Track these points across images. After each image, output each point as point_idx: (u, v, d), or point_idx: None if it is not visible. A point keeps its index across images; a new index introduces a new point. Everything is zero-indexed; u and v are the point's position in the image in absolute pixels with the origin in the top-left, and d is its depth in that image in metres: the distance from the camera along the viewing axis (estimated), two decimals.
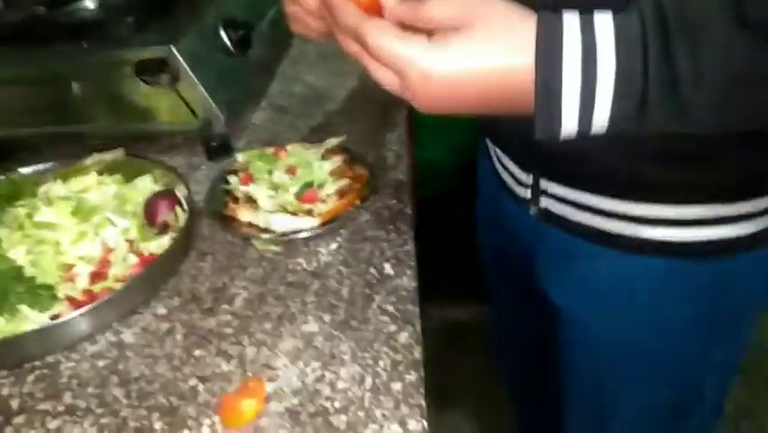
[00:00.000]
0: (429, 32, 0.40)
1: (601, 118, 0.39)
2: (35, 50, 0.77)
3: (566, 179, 0.57)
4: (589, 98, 0.38)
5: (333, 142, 0.75)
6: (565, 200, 0.58)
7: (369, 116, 0.86)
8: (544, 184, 0.60)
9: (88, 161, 0.72)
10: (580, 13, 0.38)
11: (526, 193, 0.62)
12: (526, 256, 0.67)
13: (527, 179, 0.61)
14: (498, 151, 0.67)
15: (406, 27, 0.41)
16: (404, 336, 0.53)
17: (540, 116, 0.39)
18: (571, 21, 0.38)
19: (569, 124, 0.39)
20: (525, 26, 0.39)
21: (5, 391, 0.51)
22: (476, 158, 0.77)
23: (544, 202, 0.61)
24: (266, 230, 0.64)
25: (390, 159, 0.77)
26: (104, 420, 0.48)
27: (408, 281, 0.59)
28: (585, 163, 0.53)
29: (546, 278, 0.66)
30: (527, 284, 0.69)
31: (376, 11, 0.43)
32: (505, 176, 0.67)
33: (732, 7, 0.36)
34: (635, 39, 0.37)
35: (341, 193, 0.67)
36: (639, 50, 0.37)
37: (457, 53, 0.39)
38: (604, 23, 0.38)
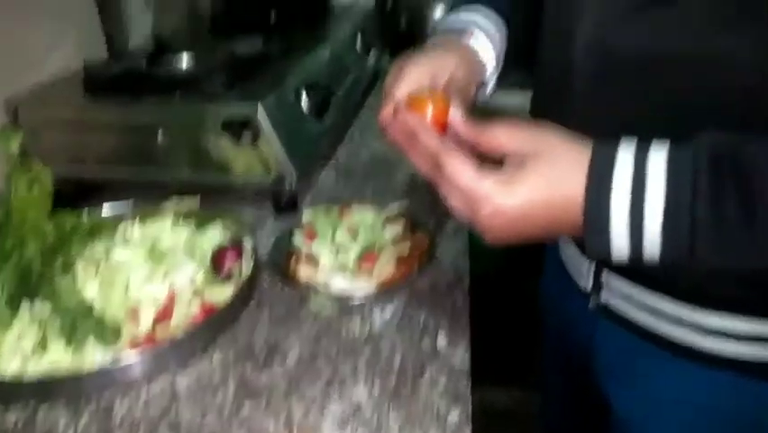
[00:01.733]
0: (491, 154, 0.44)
1: (651, 253, 0.40)
2: (132, 100, 0.83)
3: (629, 275, 0.55)
4: (638, 233, 0.39)
5: (395, 207, 0.76)
6: (627, 297, 0.56)
7: (431, 186, 0.87)
8: (606, 276, 0.58)
9: (166, 206, 0.76)
10: (638, 145, 0.40)
11: (587, 284, 0.61)
12: (585, 348, 0.65)
13: (589, 268, 0.60)
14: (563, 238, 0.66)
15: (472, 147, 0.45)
16: (454, 415, 0.51)
17: (590, 244, 0.41)
18: (624, 153, 0.40)
19: (619, 253, 0.41)
20: (583, 155, 0.41)
21: (61, 425, 0.52)
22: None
23: (605, 296, 0.59)
24: (324, 289, 0.65)
25: (450, 229, 0.77)
26: None
27: (462, 357, 0.58)
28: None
29: (603, 375, 0.63)
30: (584, 377, 0.66)
31: (443, 126, 0.48)
32: (568, 263, 0.65)
33: None
34: (685, 175, 0.38)
35: (400, 259, 0.68)
36: (688, 192, 0.37)
37: (524, 192, 0.41)
38: (657, 159, 0.39)
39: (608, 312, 0.59)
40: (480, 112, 0.58)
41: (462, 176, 0.43)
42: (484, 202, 0.42)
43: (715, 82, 0.43)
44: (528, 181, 0.41)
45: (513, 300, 1.01)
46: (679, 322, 0.53)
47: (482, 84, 0.62)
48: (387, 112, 0.52)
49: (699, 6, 0.42)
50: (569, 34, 0.50)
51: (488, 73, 0.62)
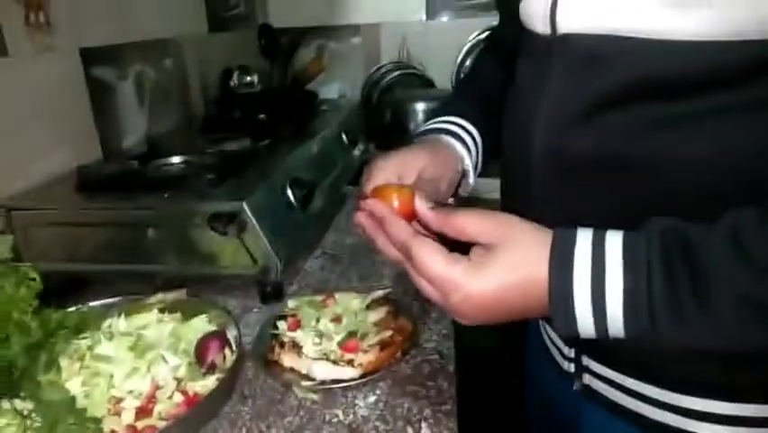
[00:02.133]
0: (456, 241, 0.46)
1: (615, 331, 0.41)
2: (123, 198, 0.87)
3: (609, 362, 0.56)
4: (601, 313, 0.41)
5: (379, 293, 0.78)
6: (609, 381, 0.57)
7: None
8: (587, 361, 0.59)
9: (152, 299, 0.77)
10: (595, 230, 0.43)
11: (570, 367, 0.61)
12: (571, 428, 0.65)
13: (569, 352, 0.61)
14: (545, 323, 0.67)
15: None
16: None
17: (557, 320, 0.43)
18: (583, 236, 0.42)
19: (585, 332, 0.42)
20: (545, 242, 0.43)
21: None
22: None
23: (587, 379, 0.59)
24: (307, 377, 0.66)
25: (435, 312, 0.79)
26: None
27: None
28: (629, 350, 0.52)
29: None
30: None
31: (409, 214, 0.50)
32: (550, 345, 0.66)
33: (732, 244, 0.39)
34: (640, 262, 0.40)
35: (383, 345, 0.69)
36: (644, 274, 0.40)
37: (493, 277, 0.44)
38: (614, 244, 0.41)
39: (591, 394, 0.59)
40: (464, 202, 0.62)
41: (433, 266, 0.45)
42: (454, 289, 0.44)
43: (663, 181, 0.46)
44: (496, 267, 0.43)
45: (507, 376, 1.00)
46: (663, 406, 0.53)
47: (462, 175, 0.66)
48: (360, 210, 0.54)
49: (638, 111, 0.46)
50: (527, 136, 0.53)
51: (466, 164, 0.66)
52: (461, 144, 0.66)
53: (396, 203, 0.50)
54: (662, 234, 0.40)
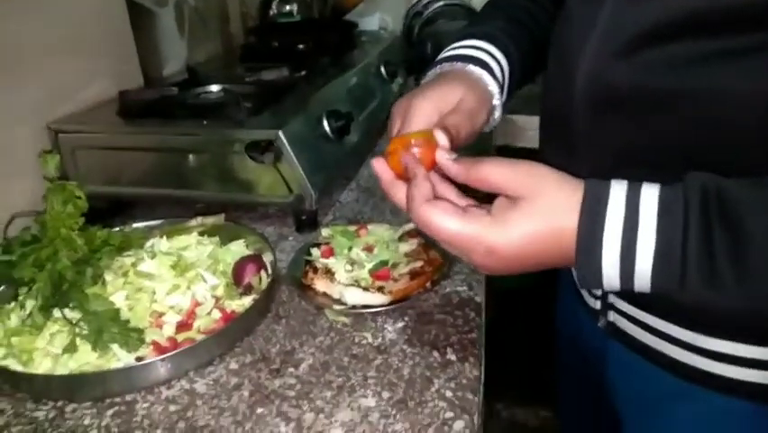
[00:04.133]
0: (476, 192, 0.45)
1: (641, 286, 0.41)
2: (163, 124, 0.88)
3: (635, 301, 0.56)
4: (629, 268, 0.40)
5: (411, 225, 0.78)
6: (634, 320, 0.57)
7: None
8: (612, 298, 0.59)
9: (192, 222, 0.80)
10: (630, 182, 0.41)
11: (596, 304, 0.61)
12: (597, 367, 0.65)
13: (597, 289, 0.61)
14: None
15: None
16: (459, 425, 0.52)
17: (582, 274, 0.42)
18: (617, 189, 0.41)
19: (610, 283, 0.41)
20: (576, 192, 0.42)
21: (87, 421, 0.55)
22: None
23: (612, 317, 0.59)
24: (339, 301, 0.68)
25: None
26: None
27: (470, 369, 0.59)
28: None
29: (613, 392, 0.63)
30: (597, 395, 0.66)
31: (430, 163, 0.48)
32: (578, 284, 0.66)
33: None
34: (677, 215, 0.38)
35: (413, 274, 0.70)
36: (680, 231, 0.38)
37: (516, 229, 0.42)
38: (649, 198, 0.40)
39: (616, 331, 0.59)
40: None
41: (448, 229, 0.43)
42: (476, 245, 0.43)
43: (708, 117, 0.44)
44: (522, 217, 0.42)
45: (541, 317, 1.01)
46: (686, 346, 0.53)
47: (492, 109, 0.62)
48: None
49: (685, 46, 0.44)
50: (571, 67, 0.52)
51: (495, 99, 0.62)
52: (491, 76, 0.61)
53: (416, 150, 0.49)
54: (701, 190, 0.39)
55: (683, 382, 0.54)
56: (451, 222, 0.43)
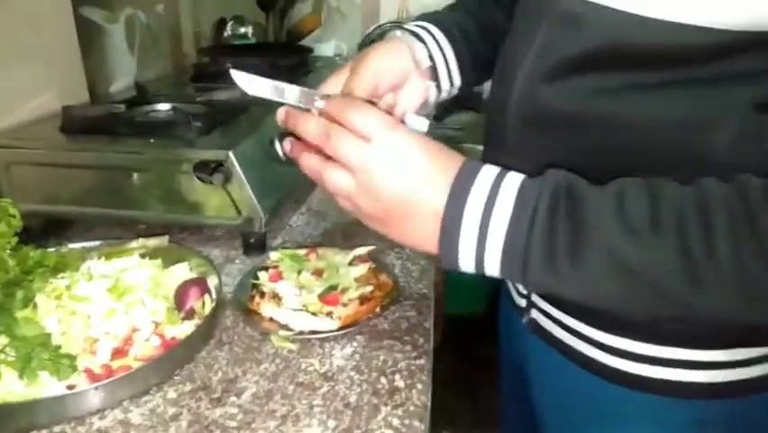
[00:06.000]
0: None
1: (492, 265, 0.44)
2: (108, 141, 0.85)
3: (552, 300, 0.59)
4: (482, 243, 0.43)
5: (362, 250, 0.78)
6: (552, 318, 0.60)
7: None
8: (534, 297, 0.62)
9: (134, 243, 0.77)
10: (502, 168, 0.45)
11: (521, 302, 0.64)
12: (521, 361, 0.69)
13: (523, 289, 0.64)
14: None
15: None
16: None
17: (442, 247, 0.45)
18: (488, 170, 0.44)
19: (465, 262, 0.44)
20: (454, 164, 0.45)
21: None
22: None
23: (534, 314, 0.62)
24: (285, 327, 0.66)
25: (416, 272, 0.79)
26: None
27: (418, 396, 0.58)
28: None
29: (534, 388, 0.66)
30: (523, 386, 0.69)
31: None
32: (509, 283, 0.69)
33: (615, 202, 0.41)
34: (529, 203, 0.42)
35: (363, 299, 0.69)
36: (528, 215, 0.41)
37: (402, 146, 0.46)
38: (511, 184, 0.43)
39: (538, 328, 0.62)
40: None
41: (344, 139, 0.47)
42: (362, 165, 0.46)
43: (621, 143, 0.47)
44: (404, 149, 0.46)
45: (488, 343, 1.02)
46: (596, 345, 0.56)
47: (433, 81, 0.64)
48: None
49: (603, 76, 0.47)
50: (509, 81, 0.54)
51: (417, 55, 0.63)
52: (415, 37, 0.63)
53: None
54: (555, 184, 0.42)
55: (597, 378, 0.57)
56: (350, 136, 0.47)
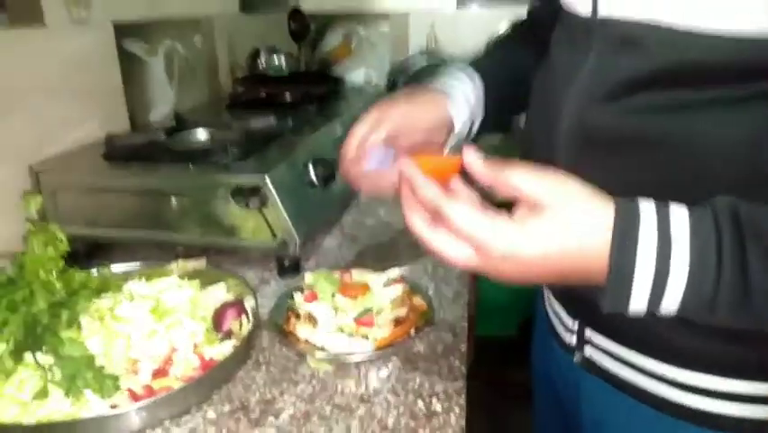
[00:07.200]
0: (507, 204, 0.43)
1: (670, 307, 0.40)
2: (148, 167, 0.88)
3: (612, 334, 0.57)
4: (660, 288, 0.39)
5: (396, 272, 0.78)
6: (610, 354, 0.57)
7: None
8: (589, 333, 0.59)
9: (172, 265, 0.79)
10: (657, 204, 0.40)
11: (572, 339, 0.62)
12: (571, 402, 0.66)
13: (573, 325, 0.62)
14: (550, 294, 0.68)
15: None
16: None
17: (610, 297, 0.40)
18: (647, 209, 0.40)
19: (637, 307, 0.40)
20: (605, 210, 0.41)
21: None
22: (536, 301, 0.78)
23: (588, 351, 0.60)
24: (321, 349, 0.66)
25: (449, 294, 0.79)
26: None
27: (456, 421, 0.58)
28: (633, 324, 0.50)
29: (587, 424, 0.63)
30: (573, 426, 0.66)
31: (452, 174, 0.47)
32: (553, 319, 0.67)
33: None
34: (708, 238, 0.38)
35: (398, 321, 0.69)
36: (713, 250, 0.38)
37: (540, 236, 0.40)
38: (680, 216, 0.39)
39: (592, 366, 0.60)
40: None
41: (469, 216, 0.41)
42: (493, 242, 0.40)
43: (684, 161, 0.46)
44: (547, 229, 0.40)
45: (517, 365, 1.00)
46: (663, 380, 0.54)
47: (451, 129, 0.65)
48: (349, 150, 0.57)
49: (662, 95, 0.46)
50: (555, 110, 0.54)
51: (450, 108, 0.64)
52: (448, 88, 0.65)
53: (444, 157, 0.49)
54: (730, 208, 0.39)
55: (661, 414, 0.54)
56: (472, 211, 0.41)
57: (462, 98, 0.65)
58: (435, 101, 0.63)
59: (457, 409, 0.59)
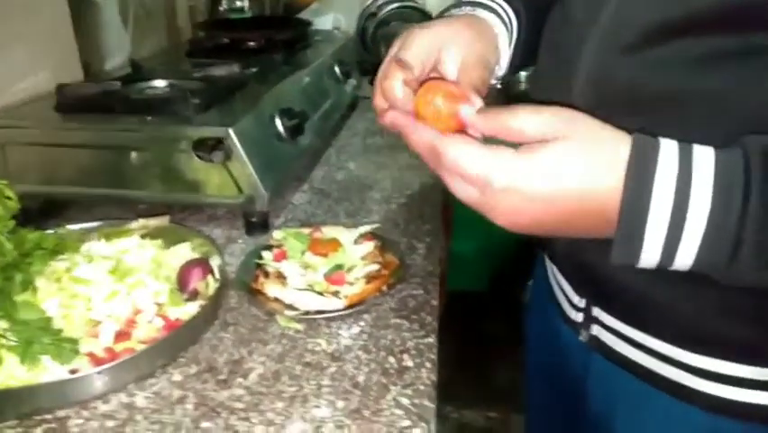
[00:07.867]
0: (513, 146, 0.39)
1: (685, 257, 0.36)
2: (104, 119, 0.83)
3: (622, 314, 0.54)
4: (676, 233, 0.36)
5: (366, 228, 0.76)
6: (618, 334, 0.55)
7: (405, 207, 0.89)
8: (597, 312, 0.57)
9: (133, 224, 0.75)
10: (679, 143, 0.36)
11: (578, 317, 0.59)
12: (577, 379, 0.63)
13: (580, 302, 0.59)
14: (555, 269, 0.65)
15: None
16: None
17: (620, 241, 0.37)
18: (668, 146, 0.36)
19: (650, 255, 0.37)
20: (619, 146, 0.37)
21: None
22: (508, 257, 0.77)
23: (595, 330, 0.57)
24: (291, 307, 0.65)
25: (422, 250, 0.78)
26: None
27: (427, 375, 0.57)
28: (646, 303, 0.49)
29: (594, 405, 0.62)
30: (576, 404, 0.64)
31: (460, 131, 0.43)
32: (558, 294, 0.64)
33: None
34: (734, 175, 0.34)
35: (369, 278, 0.68)
36: (739, 196, 0.34)
37: (545, 170, 0.37)
38: (704, 156, 0.35)
39: (599, 345, 0.58)
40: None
41: (467, 155, 0.38)
42: (495, 179, 0.37)
43: (717, 116, 0.41)
44: (553, 163, 0.36)
45: (489, 319, 1.01)
46: (672, 362, 0.51)
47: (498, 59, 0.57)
48: (387, 85, 0.47)
49: (681, 49, 0.42)
50: (569, 65, 0.50)
51: (501, 43, 0.56)
52: (498, 19, 0.56)
53: (441, 105, 0.43)
54: (765, 156, 0.34)
55: (671, 397, 0.52)
56: (473, 149, 0.38)
57: (508, 26, 0.57)
58: (491, 34, 0.55)
59: (428, 364, 0.59)
